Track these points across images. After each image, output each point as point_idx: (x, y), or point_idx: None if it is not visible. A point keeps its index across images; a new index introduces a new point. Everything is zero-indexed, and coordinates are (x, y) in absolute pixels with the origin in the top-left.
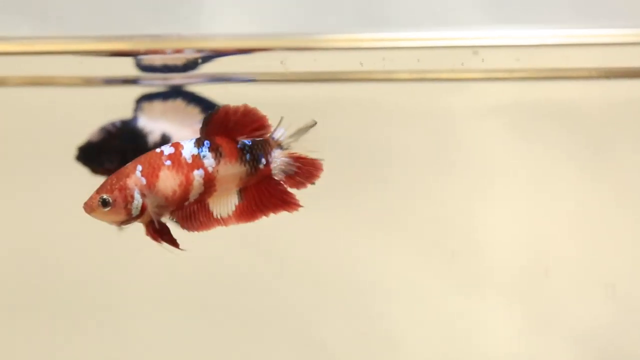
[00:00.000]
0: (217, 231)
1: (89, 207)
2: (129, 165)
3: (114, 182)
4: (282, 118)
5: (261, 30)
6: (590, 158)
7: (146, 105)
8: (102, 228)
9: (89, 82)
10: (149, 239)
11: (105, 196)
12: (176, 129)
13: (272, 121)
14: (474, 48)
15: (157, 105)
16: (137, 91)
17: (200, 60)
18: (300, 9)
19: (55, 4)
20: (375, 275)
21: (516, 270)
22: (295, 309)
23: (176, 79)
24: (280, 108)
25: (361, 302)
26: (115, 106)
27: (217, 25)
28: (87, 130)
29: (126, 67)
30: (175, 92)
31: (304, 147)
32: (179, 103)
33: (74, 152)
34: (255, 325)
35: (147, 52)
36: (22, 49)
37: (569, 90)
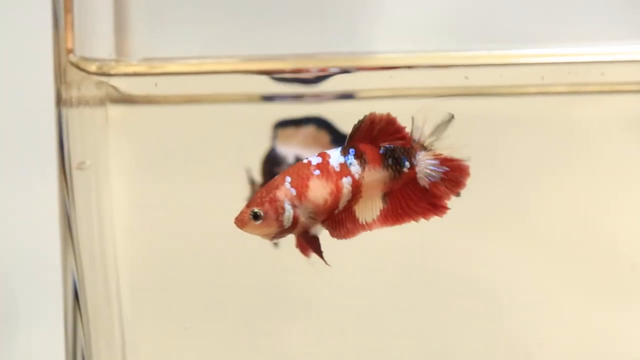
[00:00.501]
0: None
1: (240, 222)
2: (277, 177)
3: (263, 195)
4: (413, 118)
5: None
6: None
7: (281, 131)
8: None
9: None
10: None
11: (256, 210)
12: (307, 153)
13: None
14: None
15: (291, 131)
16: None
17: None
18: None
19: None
20: (518, 286)
21: None
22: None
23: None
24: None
25: (507, 312)
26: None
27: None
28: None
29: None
30: (308, 119)
31: (450, 146)
32: (311, 129)
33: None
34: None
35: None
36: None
37: None
